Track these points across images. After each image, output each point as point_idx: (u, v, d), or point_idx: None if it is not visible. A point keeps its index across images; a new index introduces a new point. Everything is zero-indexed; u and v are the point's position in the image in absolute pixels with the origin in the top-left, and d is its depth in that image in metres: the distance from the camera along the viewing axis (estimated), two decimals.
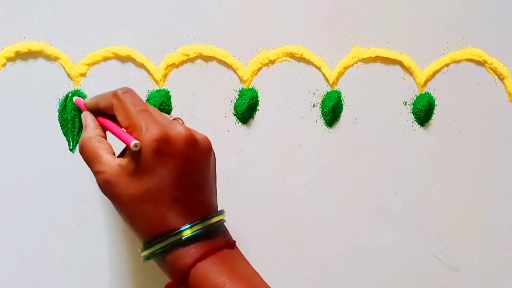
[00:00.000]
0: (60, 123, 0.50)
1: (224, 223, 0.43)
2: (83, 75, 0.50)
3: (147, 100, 0.51)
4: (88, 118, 0.45)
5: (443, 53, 0.55)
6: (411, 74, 0.54)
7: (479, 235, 0.55)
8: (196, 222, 0.41)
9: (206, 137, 0.43)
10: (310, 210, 0.53)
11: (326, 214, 0.53)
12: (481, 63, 0.55)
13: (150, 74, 0.51)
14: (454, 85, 0.55)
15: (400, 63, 0.54)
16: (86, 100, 0.47)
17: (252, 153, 0.52)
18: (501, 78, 0.56)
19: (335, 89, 0.53)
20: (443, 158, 0.55)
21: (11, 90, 0.49)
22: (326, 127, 0.53)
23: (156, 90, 0.51)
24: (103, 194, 0.41)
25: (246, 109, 0.52)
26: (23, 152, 0.49)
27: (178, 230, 0.40)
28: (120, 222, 0.50)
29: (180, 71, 0.51)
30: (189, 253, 0.40)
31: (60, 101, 0.50)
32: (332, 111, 0.53)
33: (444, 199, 0.55)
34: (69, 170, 0.50)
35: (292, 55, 0.53)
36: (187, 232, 0.40)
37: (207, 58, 0.52)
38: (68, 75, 0.50)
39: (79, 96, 0.50)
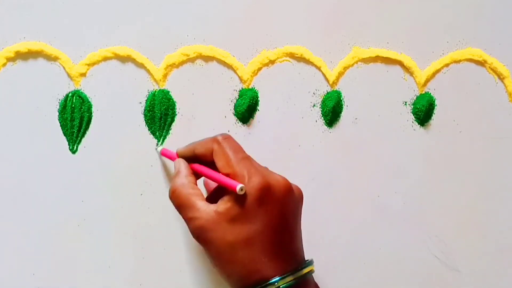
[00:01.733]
0: (60, 123, 0.50)
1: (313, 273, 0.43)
2: (83, 75, 0.50)
3: (149, 100, 0.51)
4: (181, 165, 0.45)
5: (443, 53, 0.55)
6: (411, 74, 0.54)
7: (479, 235, 0.55)
8: (288, 273, 0.41)
9: (298, 186, 0.44)
10: (310, 210, 0.53)
11: (326, 214, 0.53)
12: (481, 63, 0.55)
13: (150, 74, 0.51)
14: (454, 85, 0.55)
15: (400, 63, 0.54)
16: (180, 148, 0.47)
17: (252, 153, 0.52)
18: (501, 78, 0.56)
19: (335, 89, 0.53)
20: (443, 158, 0.55)
21: (11, 90, 0.49)
22: (326, 127, 0.53)
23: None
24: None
25: (246, 109, 0.52)
26: (23, 152, 0.49)
27: (272, 281, 0.40)
28: (120, 222, 0.50)
29: (180, 71, 0.51)
30: None
31: (60, 101, 0.50)
32: (332, 111, 0.53)
33: (444, 199, 0.55)
34: (69, 170, 0.50)
35: (292, 55, 0.53)
36: (280, 283, 0.40)
37: (207, 58, 0.52)
38: (68, 75, 0.50)
39: (79, 96, 0.50)
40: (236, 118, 0.52)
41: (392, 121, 0.54)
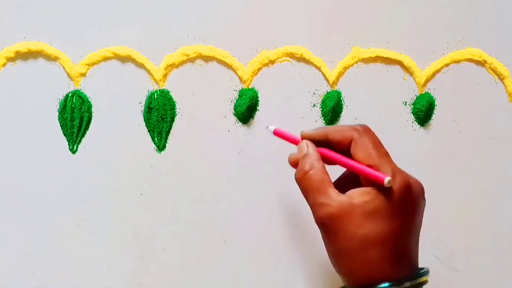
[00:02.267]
0: (60, 123, 0.50)
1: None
2: (83, 75, 0.50)
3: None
4: (310, 147, 0.43)
5: (443, 53, 0.55)
6: (411, 74, 0.54)
7: (479, 235, 0.55)
8: (405, 279, 0.39)
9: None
10: (310, 210, 0.53)
11: None
12: (481, 63, 0.55)
13: (150, 74, 0.51)
14: (454, 85, 0.55)
15: (400, 63, 0.54)
16: (307, 131, 0.45)
17: (252, 153, 0.52)
18: (501, 78, 0.56)
19: (335, 89, 0.53)
20: (443, 158, 0.55)
21: (11, 90, 0.49)
22: None
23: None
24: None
25: (246, 109, 0.52)
26: (23, 152, 0.49)
27: (387, 284, 0.39)
28: (120, 222, 0.50)
29: (180, 71, 0.51)
30: None
31: (60, 101, 0.50)
32: (332, 111, 0.53)
33: (444, 199, 0.55)
34: (69, 170, 0.50)
35: (292, 55, 0.53)
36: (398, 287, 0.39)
37: (207, 58, 0.52)
38: (68, 75, 0.50)
39: (79, 96, 0.50)
40: (236, 118, 0.52)
41: (392, 121, 0.54)
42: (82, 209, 0.50)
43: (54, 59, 0.50)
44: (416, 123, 0.55)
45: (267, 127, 0.48)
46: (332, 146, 0.43)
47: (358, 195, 0.40)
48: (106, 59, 0.50)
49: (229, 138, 0.52)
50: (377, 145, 0.42)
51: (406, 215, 0.40)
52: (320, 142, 0.44)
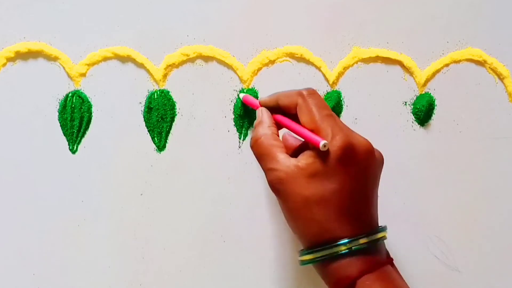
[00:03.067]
0: (60, 123, 0.50)
1: (385, 240, 0.43)
2: (83, 75, 0.50)
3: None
4: (264, 114, 0.45)
5: (443, 53, 0.55)
6: (411, 74, 0.54)
7: (479, 235, 0.55)
8: (361, 236, 0.40)
9: (380, 151, 0.44)
10: None
11: None
12: (481, 63, 0.55)
13: (150, 74, 0.51)
14: (454, 85, 0.55)
15: (400, 63, 0.54)
16: (263, 98, 0.47)
17: (252, 153, 0.52)
18: (501, 78, 0.56)
19: (335, 89, 0.53)
20: (443, 158, 0.55)
21: (11, 90, 0.49)
22: None
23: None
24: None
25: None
26: (23, 152, 0.49)
27: (343, 241, 0.40)
28: (120, 222, 0.51)
29: (180, 71, 0.51)
30: (354, 265, 0.40)
31: (60, 101, 0.50)
32: None
33: (444, 199, 0.55)
34: (69, 170, 0.50)
35: (292, 55, 0.53)
36: (352, 244, 0.40)
37: (207, 58, 0.52)
38: (68, 75, 0.50)
39: (79, 96, 0.50)
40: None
41: (392, 121, 0.54)
42: (82, 209, 0.50)
43: (54, 59, 0.50)
44: (416, 123, 0.55)
45: (238, 94, 0.51)
46: (284, 112, 0.45)
47: (303, 158, 0.41)
48: (106, 59, 0.50)
49: (229, 138, 0.52)
50: (320, 107, 0.42)
51: (348, 174, 0.40)
52: (275, 108, 0.45)
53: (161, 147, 0.51)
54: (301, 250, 0.43)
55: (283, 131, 0.47)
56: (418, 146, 0.55)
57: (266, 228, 0.52)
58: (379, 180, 0.44)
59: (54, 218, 0.50)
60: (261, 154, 0.43)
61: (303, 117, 0.43)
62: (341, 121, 0.43)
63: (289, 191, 0.41)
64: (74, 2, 0.50)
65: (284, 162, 0.41)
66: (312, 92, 0.43)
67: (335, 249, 0.40)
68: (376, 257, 0.41)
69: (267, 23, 0.52)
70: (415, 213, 0.55)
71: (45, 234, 0.50)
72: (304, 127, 0.42)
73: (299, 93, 0.43)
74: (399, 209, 0.54)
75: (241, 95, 0.51)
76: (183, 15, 0.51)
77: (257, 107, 0.47)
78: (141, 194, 0.51)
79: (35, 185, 0.49)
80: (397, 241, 0.54)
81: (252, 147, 0.44)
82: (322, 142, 0.40)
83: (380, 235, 0.42)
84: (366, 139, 0.42)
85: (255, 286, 0.52)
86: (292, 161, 0.41)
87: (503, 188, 0.56)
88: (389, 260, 0.43)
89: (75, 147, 0.50)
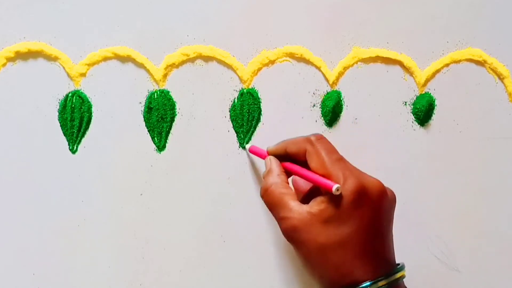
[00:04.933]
0: (60, 123, 0.50)
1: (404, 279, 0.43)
2: (83, 75, 0.50)
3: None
4: (273, 163, 0.46)
5: (443, 53, 0.55)
6: (411, 74, 0.54)
7: (479, 235, 0.55)
8: (381, 278, 0.40)
9: (391, 189, 0.44)
10: None
11: None
12: (481, 63, 0.55)
13: (150, 74, 0.51)
14: (454, 85, 0.55)
15: (400, 63, 0.54)
16: (271, 146, 0.47)
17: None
18: (501, 78, 0.56)
19: (335, 89, 0.53)
20: (443, 158, 0.55)
21: (11, 90, 0.49)
22: (326, 127, 0.53)
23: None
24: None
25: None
26: (23, 152, 0.49)
27: (364, 285, 0.40)
28: (120, 222, 0.51)
29: (180, 71, 0.51)
30: None
31: (60, 101, 0.50)
32: (332, 111, 0.53)
33: (444, 199, 0.55)
34: (69, 170, 0.50)
35: (292, 55, 0.53)
36: (372, 287, 0.40)
37: (207, 58, 0.52)
38: (68, 75, 0.50)
39: (79, 96, 0.50)
40: None
41: (392, 121, 0.54)
42: (82, 209, 0.50)
43: (54, 59, 0.50)
44: (416, 123, 0.55)
45: (245, 147, 0.51)
46: (293, 159, 0.45)
47: (315, 204, 0.41)
48: (106, 59, 0.50)
49: (229, 138, 0.52)
50: (329, 152, 0.43)
51: (362, 217, 0.40)
52: (283, 156, 0.46)
53: (161, 147, 0.51)
54: None
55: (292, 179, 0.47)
56: (418, 146, 0.55)
57: (266, 228, 0.52)
58: (393, 218, 0.44)
59: (54, 218, 0.50)
60: (272, 203, 0.43)
61: (313, 163, 0.43)
62: (351, 164, 0.43)
63: (304, 239, 0.41)
64: (74, 2, 0.50)
65: (297, 209, 0.41)
66: (320, 138, 0.44)
67: None
68: None
69: (267, 23, 0.52)
70: (415, 213, 0.55)
71: (45, 234, 0.50)
72: (315, 172, 0.42)
73: (307, 140, 0.43)
74: (399, 209, 0.54)
75: (247, 147, 0.51)
76: (183, 15, 0.51)
77: (265, 157, 0.47)
78: (141, 194, 0.51)
79: (35, 185, 0.49)
80: (397, 241, 0.54)
81: (262, 196, 0.44)
82: (335, 186, 0.39)
83: (398, 274, 0.42)
84: (377, 180, 0.42)
85: (255, 286, 0.52)
86: (305, 208, 0.41)
87: (503, 188, 0.56)
88: None
89: (75, 147, 0.50)
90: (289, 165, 0.45)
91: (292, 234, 0.41)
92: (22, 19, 0.49)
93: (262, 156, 0.48)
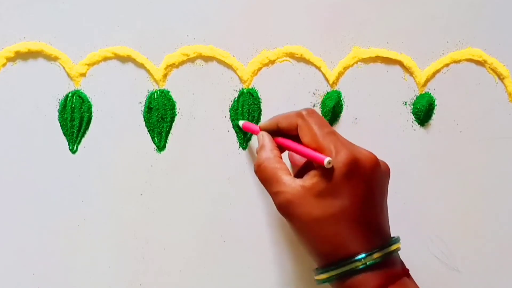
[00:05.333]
0: (60, 123, 0.50)
1: (399, 251, 0.43)
2: (83, 75, 0.50)
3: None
4: (265, 138, 0.45)
5: (443, 53, 0.55)
6: (411, 74, 0.54)
7: (479, 235, 0.55)
8: (375, 250, 0.40)
9: (385, 162, 0.44)
10: None
11: None
12: (481, 63, 0.55)
13: (150, 74, 0.51)
14: (454, 85, 0.55)
15: (400, 63, 0.54)
16: (263, 122, 0.47)
17: (252, 153, 0.52)
18: (501, 78, 0.56)
19: (335, 89, 0.53)
20: (443, 158, 0.55)
21: (11, 90, 0.49)
22: None
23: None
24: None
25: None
26: (23, 152, 0.49)
27: (358, 257, 0.40)
28: (120, 222, 0.51)
29: (180, 71, 0.51)
30: (370, 280, 0.40)
31: (60, 101, 0.50)
32: (332, 111, 0.53)
33: (444, 199, 0.55)
34: (69, 170, 0.50)
35: (292, 55, 0.53)
36: (367, 259, 0.40)
37: (207, 58, 0.52)
38: (68, 75, 0.50)
39: (79, 96, 0.50)
40: None
41: (392, 121, 0.54)
42: (82, 209, 0.50)
43: (54, 59, 0.50)
44: (416, 123, 0.55)
45: (239, 123, 0.51)
46: (285, 134, 0.45)
47: (308, 178, 0.41)
48: (106, 59, 0.50)
49: (229, 138, 0.52)
50: (321, 125, 0.42)
51: (355, 189, 0.40)
52: (275, 131, 0.45)
53: (161, 147, 0.51)
54: (316, 269, 0.43)
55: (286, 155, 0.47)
56: (418, 146, 0.55)
57: (266, 228, 0.52)
58: (387, 191, 0.44)
59: (54, 218, 0.50)
60: (265, 179, 0.43)
61: (304, 137, 0.42)
62: (343, 137, 0.43)
63: (298, 212, 0.41)
64: (74, 2, 0.50)
65: (290, 183, 0.41)
66: (311, 112, 0.43)
67: (350, 266, 0.40)
68: (392, 270, 0.41)
69: (267, 23, 0.52)
70: (415, 213, 0.55)
71: (45, 234, 0.50)
72: (307, 146, 0.42)
73: (299, 114, 0.43)
74: (399, 209, 0.54)
75: (240, 123, 0.51)
76: (183, 15, 0.51)
77: (258, 132, 0.47)
78: (141, 194, 0.51)
79: (35, 185, 0.49)
80: None
81: (256, 172, 0.44)
82: (326, 160, 0.39)
83: (394, 247, 0.42)
84: (370, 152, 0.42)
85: (255, 286, 0.52)
86: (298, 182, 0.41)
87: (503, 188, 0.56)
88: (405, 271, 0.43)
89: (75, 147, 0.50)
90: (281, 140, 0.45)
91: (286, 208, 0.41)
92: (22, 19, 0.49)
93: (255, 132, 0.48)
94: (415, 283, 0.43)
